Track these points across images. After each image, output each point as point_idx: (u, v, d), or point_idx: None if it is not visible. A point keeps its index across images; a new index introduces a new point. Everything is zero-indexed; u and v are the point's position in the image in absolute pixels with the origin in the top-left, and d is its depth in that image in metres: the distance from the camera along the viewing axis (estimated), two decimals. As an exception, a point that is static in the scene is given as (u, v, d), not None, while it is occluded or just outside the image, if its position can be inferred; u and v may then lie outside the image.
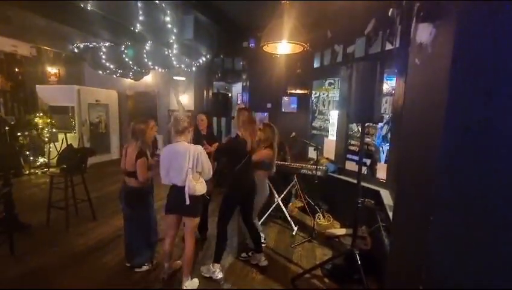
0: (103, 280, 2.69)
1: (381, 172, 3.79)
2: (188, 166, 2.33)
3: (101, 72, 6.86)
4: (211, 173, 2.52)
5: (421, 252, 1.14)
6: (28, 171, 6.26)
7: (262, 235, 3.34)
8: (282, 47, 3.03)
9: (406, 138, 1.70)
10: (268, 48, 3.05)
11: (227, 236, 2.83)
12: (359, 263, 2.48)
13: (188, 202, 2.34)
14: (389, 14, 2.78)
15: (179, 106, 3.77)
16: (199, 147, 2.44)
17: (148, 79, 7.99)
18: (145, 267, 2.83)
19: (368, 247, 3.20)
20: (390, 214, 2.72)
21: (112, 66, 6.49)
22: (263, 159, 3.05)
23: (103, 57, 6.45)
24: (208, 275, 2.76)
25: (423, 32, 1.32)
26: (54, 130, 6.84)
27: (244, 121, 2.79)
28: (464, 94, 0.94)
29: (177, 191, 2.42)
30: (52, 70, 7.79)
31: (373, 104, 2.31)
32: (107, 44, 6.31)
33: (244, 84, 6.46)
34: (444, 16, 1.09)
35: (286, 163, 4.14)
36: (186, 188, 2.33)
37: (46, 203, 3.74)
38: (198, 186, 2.40)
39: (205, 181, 2.54)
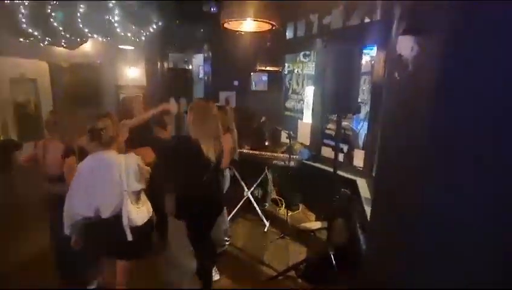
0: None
1: (358, 159, 3.55)
2: (124, 187, 1.66)
3: (22, 39, 5.49)
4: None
5: (403, 256, 1.08)
6: None
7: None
8: (247, 24, 2.46)
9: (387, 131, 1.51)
10: (229, 25, 2.46)
11: None
12: (334, 264, 2.44)
13: (130, 238, 1.67)
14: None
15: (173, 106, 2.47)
16: (134, 158, 1.74)
17: (88, 48, 6.69)
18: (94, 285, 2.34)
19: (343, 241, 3.01)
20: (367, 208, 2.63)
21: (36, 33, 5.19)
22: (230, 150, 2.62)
23: (23, 20, 5.09)
24: None
25: (403, 45, 1.16)
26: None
27: (199, 117, 1.92)
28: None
29: (106, 226, 1.69)
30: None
31: (351, 94, 2.21)
32: (26, 3, 4.96)
33: (205, 55, 5.67)
34: (430, 32, 0.95)
35: (256, 152, 3.68)
36: (124, 219, 1.66)
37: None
38: (140, 214, 1.74)
39: None
